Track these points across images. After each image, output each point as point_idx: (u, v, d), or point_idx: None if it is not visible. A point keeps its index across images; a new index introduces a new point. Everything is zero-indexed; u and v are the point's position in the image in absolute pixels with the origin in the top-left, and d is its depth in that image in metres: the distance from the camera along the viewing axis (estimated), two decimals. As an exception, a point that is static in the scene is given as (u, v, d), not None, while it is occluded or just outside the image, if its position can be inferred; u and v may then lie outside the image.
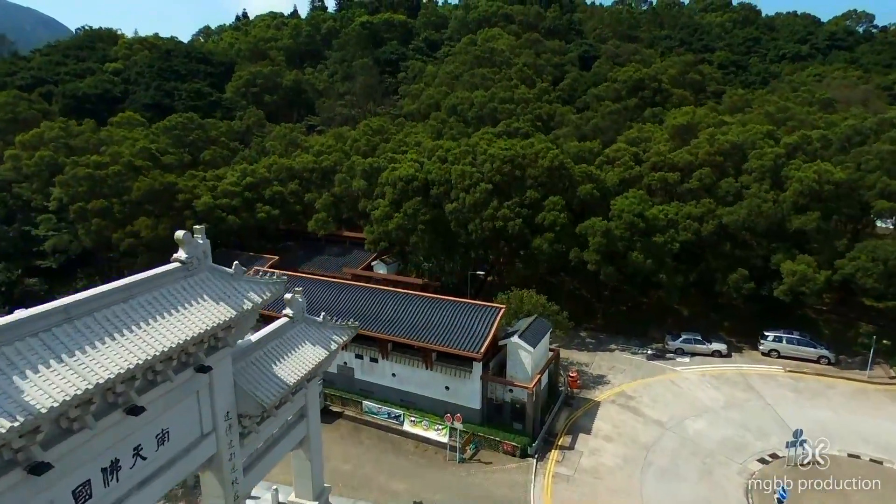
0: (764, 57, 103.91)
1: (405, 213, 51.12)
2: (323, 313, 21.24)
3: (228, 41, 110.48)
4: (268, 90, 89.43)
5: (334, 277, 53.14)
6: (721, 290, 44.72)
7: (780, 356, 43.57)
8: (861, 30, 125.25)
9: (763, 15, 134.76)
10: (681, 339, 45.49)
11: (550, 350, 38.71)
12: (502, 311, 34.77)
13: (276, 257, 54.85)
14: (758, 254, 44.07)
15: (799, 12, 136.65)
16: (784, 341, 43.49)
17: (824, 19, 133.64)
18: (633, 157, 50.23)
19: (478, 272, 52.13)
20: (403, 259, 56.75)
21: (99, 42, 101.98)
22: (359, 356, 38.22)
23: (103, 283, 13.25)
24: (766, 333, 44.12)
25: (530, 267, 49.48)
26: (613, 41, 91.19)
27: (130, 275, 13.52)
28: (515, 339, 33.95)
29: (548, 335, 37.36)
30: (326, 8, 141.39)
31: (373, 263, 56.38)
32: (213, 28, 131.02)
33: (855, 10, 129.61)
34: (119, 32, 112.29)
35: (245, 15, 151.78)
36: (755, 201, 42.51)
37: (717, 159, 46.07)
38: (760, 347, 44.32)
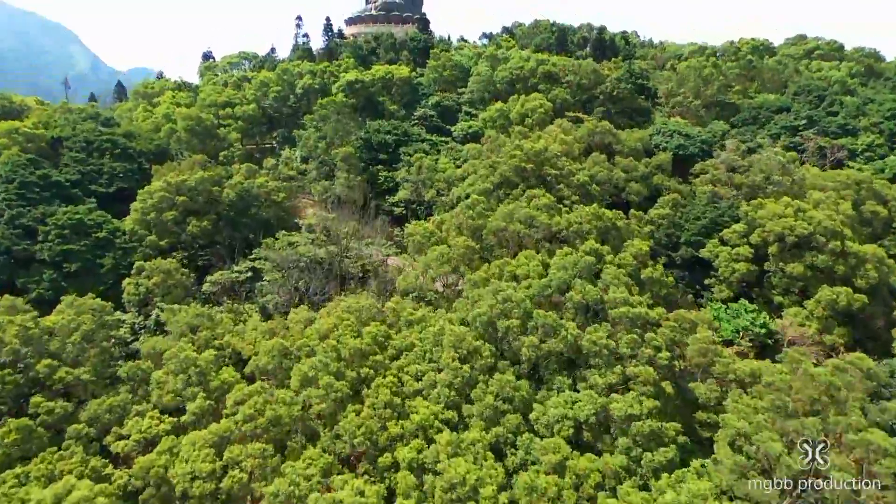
0: (927, 141, 71.80)
1: None
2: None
3: (164, 111, 79.21)
4: (195, 211, 58.20)
5: None
6: None
7: None
8: None
9: (884, 60, 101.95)
10: None
11: None
12: None
13: None
14: None
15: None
16: None
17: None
18: None
19: None
20: None
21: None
22: None
23: None
24: None
25: None
26: (733, 141, 58.86)
27: None
28: None
29: None
30: (311, 51, 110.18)
31: None
32: (154, 83, 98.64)
33: None
34: (21, 104, 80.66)
35: (211, 55, 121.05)
36: None
37: None
38: None
